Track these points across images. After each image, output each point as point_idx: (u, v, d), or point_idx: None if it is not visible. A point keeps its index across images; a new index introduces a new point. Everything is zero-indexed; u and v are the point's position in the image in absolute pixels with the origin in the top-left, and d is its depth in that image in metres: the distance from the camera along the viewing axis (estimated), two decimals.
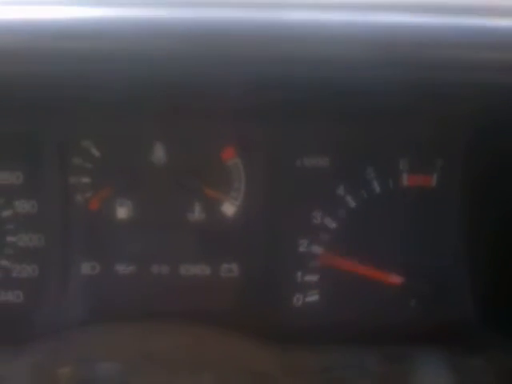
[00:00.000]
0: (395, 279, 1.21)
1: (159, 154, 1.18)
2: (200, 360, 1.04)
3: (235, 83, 0.97)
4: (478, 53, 0.95)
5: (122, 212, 1.19)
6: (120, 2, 0.95)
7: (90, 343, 1.10)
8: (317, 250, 1.21)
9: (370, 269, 1.20)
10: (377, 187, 1.21)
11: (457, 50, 0.95)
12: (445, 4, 0.98)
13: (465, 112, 1.13)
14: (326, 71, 0.96)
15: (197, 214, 1.20)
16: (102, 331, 1.11)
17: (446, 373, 1.11)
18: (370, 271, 1.20)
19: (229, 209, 1.20)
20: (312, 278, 1.22)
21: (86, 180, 1.18)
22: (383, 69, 0.95)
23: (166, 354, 1.04)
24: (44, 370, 1.03)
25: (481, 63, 0.96)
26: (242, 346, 1.10)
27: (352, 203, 1.21)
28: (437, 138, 1.20)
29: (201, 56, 0.93)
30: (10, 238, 1.19)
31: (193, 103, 1.07)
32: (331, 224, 1.21)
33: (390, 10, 0.97)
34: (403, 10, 0.97)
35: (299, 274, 1.22)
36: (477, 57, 0.95)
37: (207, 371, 1.02)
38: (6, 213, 1.18)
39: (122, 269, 1.20)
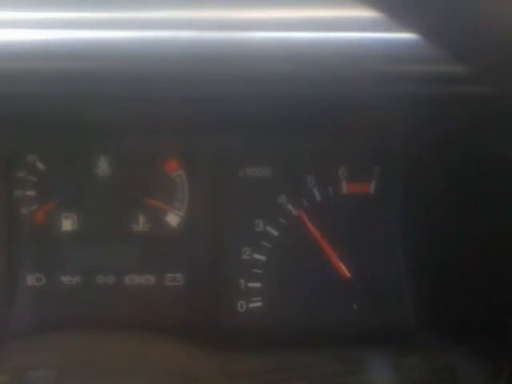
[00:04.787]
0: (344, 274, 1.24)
1: (104, 167, 1.20)
2: (137, 366, 1.06)
3: (179, 100, 1.01)
4: (394, 65, 0.98)
5: (67, 224, 1.21)
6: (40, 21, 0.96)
7: (30, 352, 1.10)
8: (259, 257, 1.24)
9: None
10: (317, 195, 1.24)
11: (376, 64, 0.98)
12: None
13: (398, 123, 1.17)
14: (264, 88, 1.00)
15: (141, 224, 1.22)
16: (45, 341, 1.12)
17: (384, 372, 1.14)
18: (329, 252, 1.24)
19: (173, 219, 1.23)
20: (255, 284, 1.24)
21: (31, 193, 1.20)
22: (308, 84, 0.99)
23: (104, 360, 1.06)
24: None
25: (398, 75, 0.99)
26: (182, 353, 1.12)
27: (293, 211, 1.24)
28: (373, 147, 1.24)
29: (143, 74, 0.96)
30: None
31: (137, 118, 1.10)
32: (273, 232, 1.24)
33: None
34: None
35: (242, 281, 1.24)
36: (394, 69, 0.99)
37: (143, 376, 1.04)
38: None
39: (67, 280, 1.21)
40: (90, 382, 1.02)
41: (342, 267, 1.24)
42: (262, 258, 1.24)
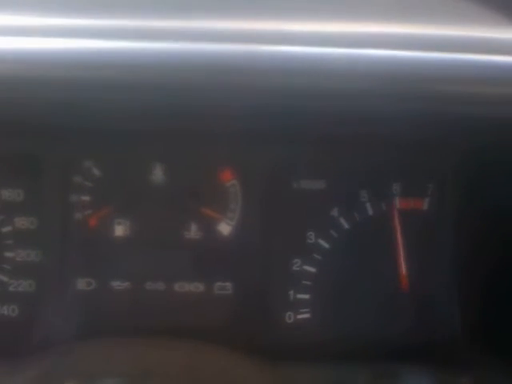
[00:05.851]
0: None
1: (158, 174, 1.21)
2: (194, 375, 1.06)
3: (236, 111, 1.00)
4: (472, 87, 0.99)
5: (120, 230, 1.21)
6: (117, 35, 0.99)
7: (87, 357, 1.11)
8: (309, 269, 1.24)
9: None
10: (370, 210, 1.24)
11: (452, 85, 0.98)
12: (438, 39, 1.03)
13: (455, 140, 1.16)
14: (326, 103, 0.99)
15: (193, 232, 1.22)
16: (99, 346, 1.13)
17: None
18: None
19: (225, 228, 1.22)
20: (304, 296, 1.24)
21: (85, 198, 1.20)
22: (381, 102, 0.99)
23: (162, 369, 1.06)
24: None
25: (476, 98, 0.99)
26: (233, 363, 1.12)
27: (345, 225, 1.24)
28: (428, 163, 1.24)
29: (204, 85, 0.96)
30: (8, 253, 1.20)
31: (192, 126, 1.09)
32: (324, 244, 1.24)
33: (388, 45, 1.00)
34: (402, 45, 1.00)
35: (292, 292, 1.24)
36: (469, 91, 0.99)
37: None
38: (6, 229, 1.20)
39: (117, 285, 1.22)
40: None
41: (402, 281, 1.23)
42: (312, 269, 1.24)
